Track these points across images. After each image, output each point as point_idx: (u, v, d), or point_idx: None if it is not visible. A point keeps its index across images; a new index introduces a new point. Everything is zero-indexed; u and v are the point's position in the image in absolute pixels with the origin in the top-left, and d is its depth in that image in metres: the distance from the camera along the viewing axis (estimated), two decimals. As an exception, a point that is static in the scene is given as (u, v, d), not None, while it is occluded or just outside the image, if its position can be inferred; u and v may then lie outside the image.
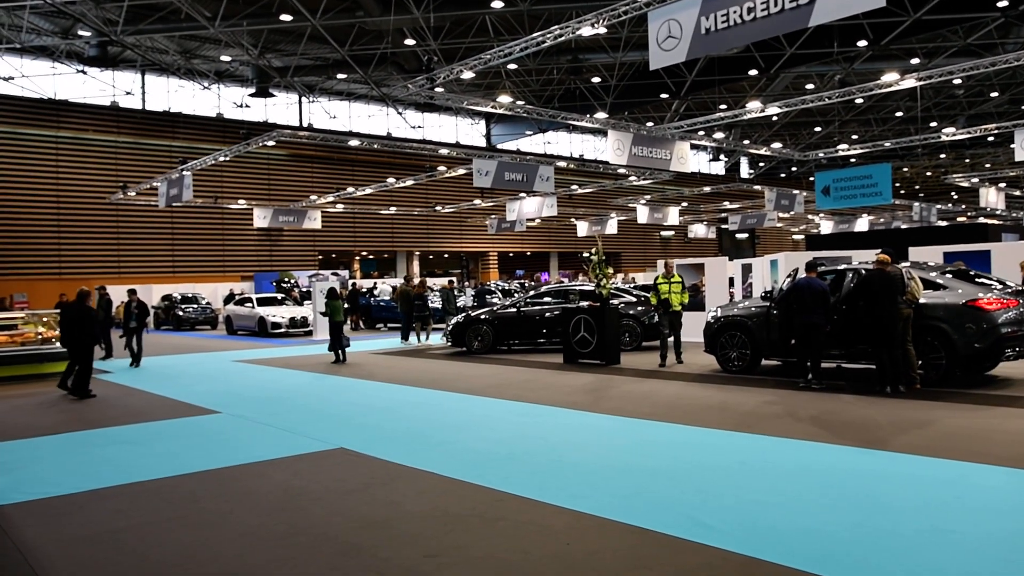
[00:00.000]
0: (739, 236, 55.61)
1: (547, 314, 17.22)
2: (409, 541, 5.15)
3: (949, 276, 10.86)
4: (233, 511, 5.99)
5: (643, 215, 39.97)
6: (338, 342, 16.43)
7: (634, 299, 17.22)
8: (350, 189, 36.96)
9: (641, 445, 7.85)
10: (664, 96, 37.93)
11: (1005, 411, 8.79)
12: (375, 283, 36.27)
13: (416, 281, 23.85)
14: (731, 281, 19.60)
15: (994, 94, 39.71)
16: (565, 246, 53.28)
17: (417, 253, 49.26)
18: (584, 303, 15.39)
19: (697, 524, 5.24)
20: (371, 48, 32.23)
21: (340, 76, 38.46)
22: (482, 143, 49.56)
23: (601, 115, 32.32)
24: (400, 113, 45.06)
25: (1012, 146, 22.16)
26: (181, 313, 30.04)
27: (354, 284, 34.11)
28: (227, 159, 29.76)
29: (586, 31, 16.18)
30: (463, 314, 18.62)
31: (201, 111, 40.02)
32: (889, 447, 7.23)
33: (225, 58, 35.80)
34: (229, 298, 31.01)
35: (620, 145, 20.25)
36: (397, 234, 46.54)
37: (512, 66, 33.51)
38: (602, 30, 16.01)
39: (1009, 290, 10.72)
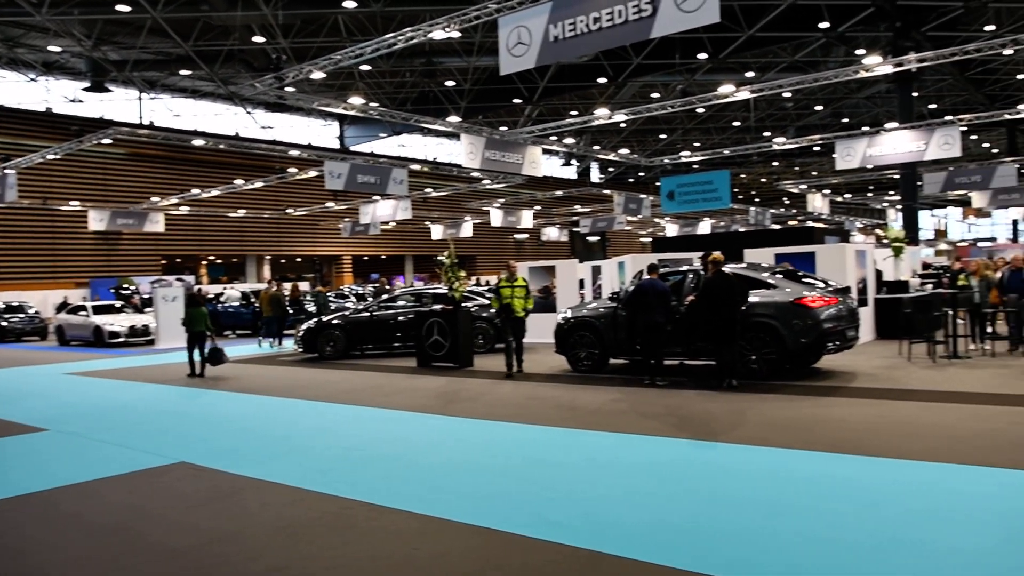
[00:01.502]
0: (590, 239, 57.15)
1: (400, 318, 17.11)
2: (254, 555, 4.98)
3: (779, 276, 11.59)
4: (59, 537, 5.59)
5: (497, 218, 40.42)
6: (200, 353, 14.69)
7: (487, 302, 17.38)
8: (195, 191, 35.35)
9: (492, 446, 7.92)
10: (517, 101, 38.54)
11: (828, 400, 9.48)
12: (223, 288, 34.83)
13: (288, 285, 23.41)
14: (581, 283, 20.12)
15: (819, 107, 42.74)
16: (420, 249, 53.08)
17: (268, 257, 47.73)
18: (437, 306, 15.39)
19: (545, 522, 5.34)
20: (217, 44, 30.98)
21: (184, 72, 36.75)
22: (335, 145, 48.66)
23: (454, 119, 32.44)
24: (249, 112, 43.57)
25: (834, 156, 23.92)
26: (5, 323, 27.76)
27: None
28: (57, 157, 27.79)
29: (438, 34, 16.21)
30: (315, 319, 18.20)
31: (28, 105, 37.18)
32: (726, 439, 7.64)
33: (54, 48, 33.42)
34: (62, 306, 28.94)
35: (473, 149, 20.39)
36: (246, 238, 44.91)
37: (365, 67, 33.10)
38: (455, 34, 16.12)
39: (830, 289, 11.57)
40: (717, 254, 10.82)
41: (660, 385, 11.05)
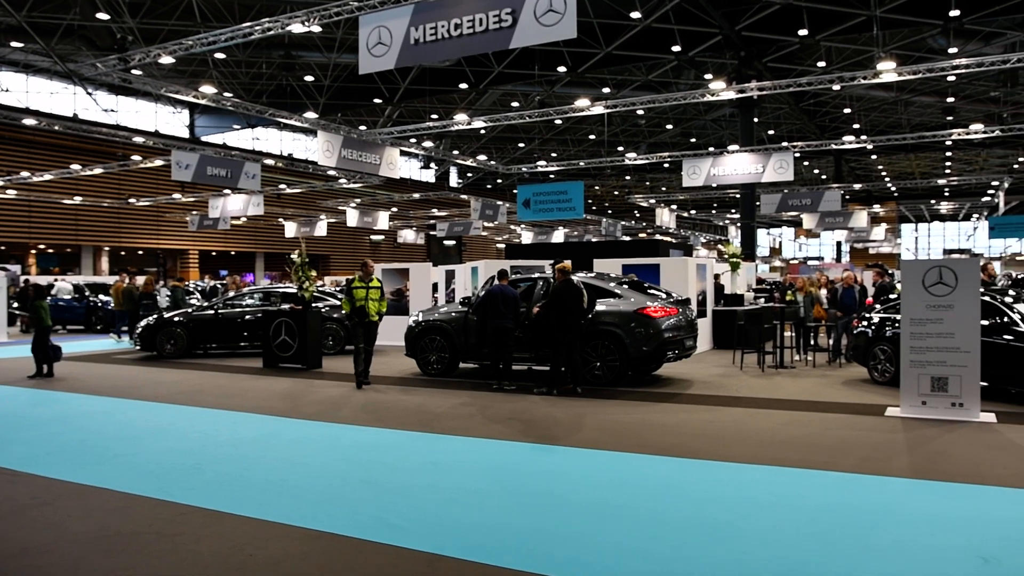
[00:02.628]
0: (447, 243, 57.38)
1: (247, 316, 16.56)
2: (71, 566, 4.70)
3: (625, 286, 12.05)
4: None
5: (353, 218, 39.87)
6: (44, 352, 13.32)
7: (339, 302, 17.10)
8: (24, 174, 32.84)
9: (336, 449, 7.82)
10: (377, 101, 38.10)
11: (665, 406, 9.95)
12: (54, 280, 32.48)
13: (141, 279, 22.19)
14: (435, 287, 20.15)
15: (669, 126, 44.66)
16: (272, 247, 51.51)
17: (107, 249, 44.91)
18: (286, 306, 15.01)
19: (386, 525, 5.34)
20: (56, 17, 28.84)
21: (16, 44, 34.03)
22: (184, 134, 46.43)
23: (312, 115, 31.69)
24: (90, 94, 40.85)
25: (682, 173, 25.11)
26: None
27: (26, 281, 30.32)
28: None
29: (297, 28, 15.84)
30: (154, 315, 17.32)
31: None
32: (567, 443, 7.87)
33: None
34: None
35: (330, 147, 20.04)
36: (83, 227, 42.06)
37: (219, 55, 31.83)
38: (316, 29, 15.79)
39: (672, 300, 12.15)
40: (565, 263, 11.13)
41: (508, 389, 11.24)
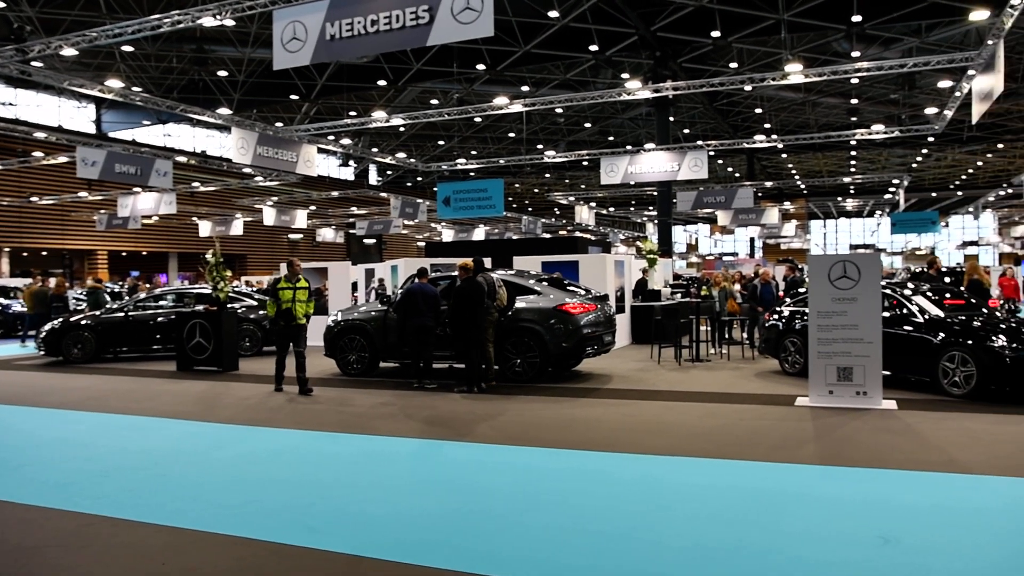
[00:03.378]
0: (367, 241, 56.75)
1: (160, 318, 16.06)
2: (-31, 581, 4.49)
3: (545, 284, 12.16)
4: None
5: (270, 217, 39.08)
6: None
7: (256, 303, 16.75)
8: (-87, 170, 31.08)
9: (253, 453, 7.67)
10: (294, 97, 37.40)
11: (584, 401, 10.08)
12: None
13: (53, 281, 21.25)
14: (355, 286, 19.93)
15: (588, 124, 45.15)
16: (186, 246, 50.02)
17: (7, 249, 42.86)
18: (200, 307, 14.62)
19: (306, 528, 5.26)
20: (-55, 6, 27.42)
21: (-100, 34, 32.18)
22: (91, 129, 44.65)
23: (226, 111, 30.93)
24: (-16, 87, 38.96)
25: (600, 171, 25.43)
26: None
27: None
28: None
29: (209, 21, 15.42)
30: (59, 319, 16.63)
31: None
32: (487, 439, 7.91)
33: None
34: None
35: (245, 144, 19.59)
36: (-21, 227, 40.08)
37: (127, 48, 30.72)
38: (229, 22, 15.41)
39: (590, 296, 12.31)
40: (467, 261, 11.15)
41: (429, 388, 11.21)
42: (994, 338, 9.40)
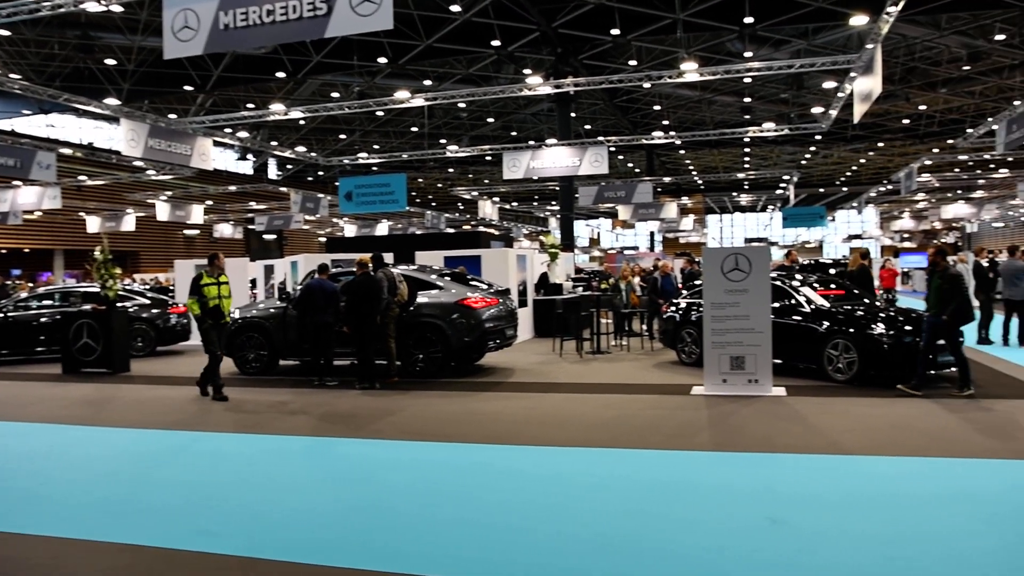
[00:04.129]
0: (267, 237, 55.38)
1: (44, 319, 15.30)
2: None
3: (447, 278, 12.16)
4: None
5: (164, 212, 37.65)
6: None
7: (148, 301, 16.15)
8: None
9: (145, 456, 7.41)
10: (188, 88, 36.10)
11: (486, 395, 10.14)
12: None
13: None
14: (253, 282, 19.45)
15: (491, 119, 45.29)
16: (73, 243, 47.71)
17: None
18: (88, 306, 14.00)
19: (200, 532, 5.13)
20: None
21: None
22: (-36, 119, 42.06)
23: (114, 101, 29.63)
24: None
25: (503, 165, 25.55)
26: None
27: None
28: None
29: (93, 7, 14.75)
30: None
31: None
32: (389, 435, 7.87)
33: None
34: None
35: (135, 136, 18.81)
36: None
37: (3, 32, 29.03)
38: (116, 8, 14.75)
39: (492, 291, 12.38)
40: (364, 256, 11.07)
41: (330, 385, 11.07)
42: (873, 326, 9.93)
